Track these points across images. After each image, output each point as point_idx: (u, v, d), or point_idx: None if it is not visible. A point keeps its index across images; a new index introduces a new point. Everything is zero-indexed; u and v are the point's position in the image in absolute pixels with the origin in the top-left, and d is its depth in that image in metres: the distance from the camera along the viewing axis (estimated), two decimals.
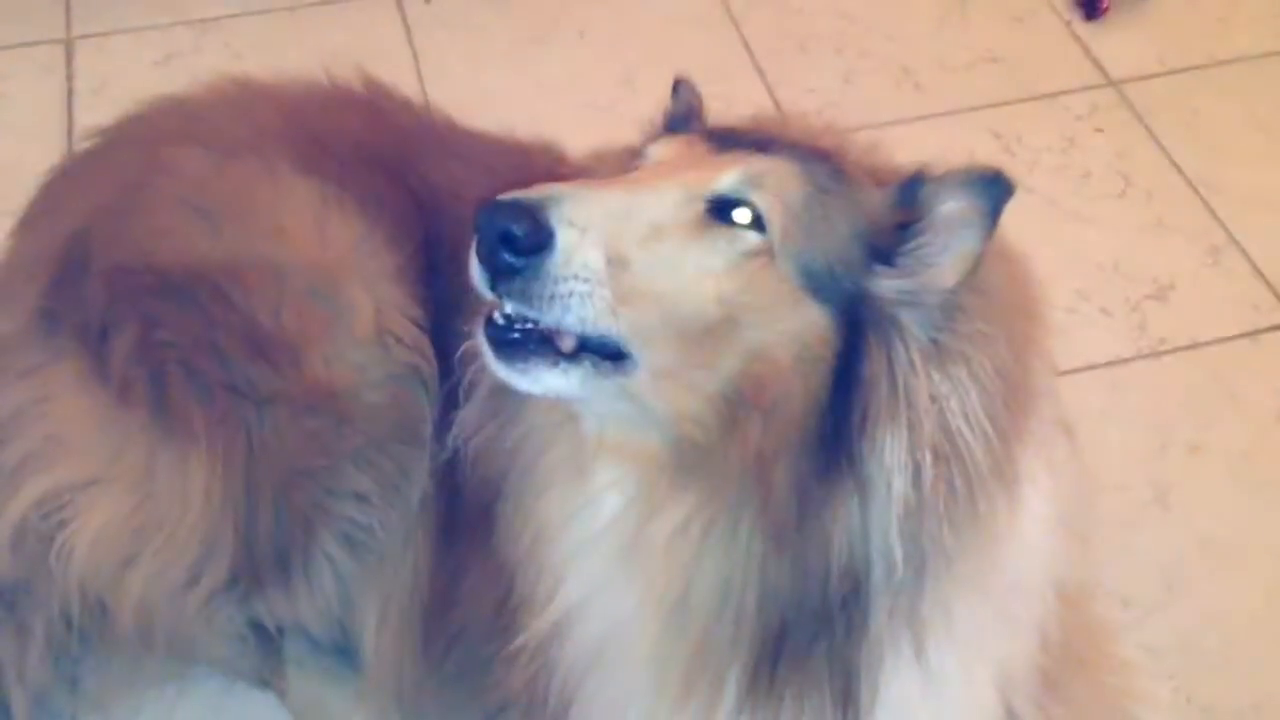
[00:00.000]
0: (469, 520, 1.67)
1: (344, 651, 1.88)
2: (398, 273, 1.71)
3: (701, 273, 1.20)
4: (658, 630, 1.30)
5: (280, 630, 1.85)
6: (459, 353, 1.39)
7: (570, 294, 1.14)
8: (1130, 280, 2.57)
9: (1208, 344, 2.46)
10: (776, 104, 2.89)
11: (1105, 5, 3.08)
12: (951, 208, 1.24)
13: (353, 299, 1.66)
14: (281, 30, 3.03)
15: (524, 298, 1.16)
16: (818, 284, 1.22)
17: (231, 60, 2.91)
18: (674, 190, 1.23)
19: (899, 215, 1.26)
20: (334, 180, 1.73)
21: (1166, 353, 2.45)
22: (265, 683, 1.94)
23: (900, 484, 1.20)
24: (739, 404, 1.22)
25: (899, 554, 1.21)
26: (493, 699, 1.66)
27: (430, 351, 1.70)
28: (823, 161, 1.29)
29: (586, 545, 1.33)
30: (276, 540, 1.67)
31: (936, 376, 1.21)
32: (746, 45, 3.05)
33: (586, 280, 1.14)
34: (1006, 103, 2.92)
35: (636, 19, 3.10)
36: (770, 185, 1.24)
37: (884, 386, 1.20)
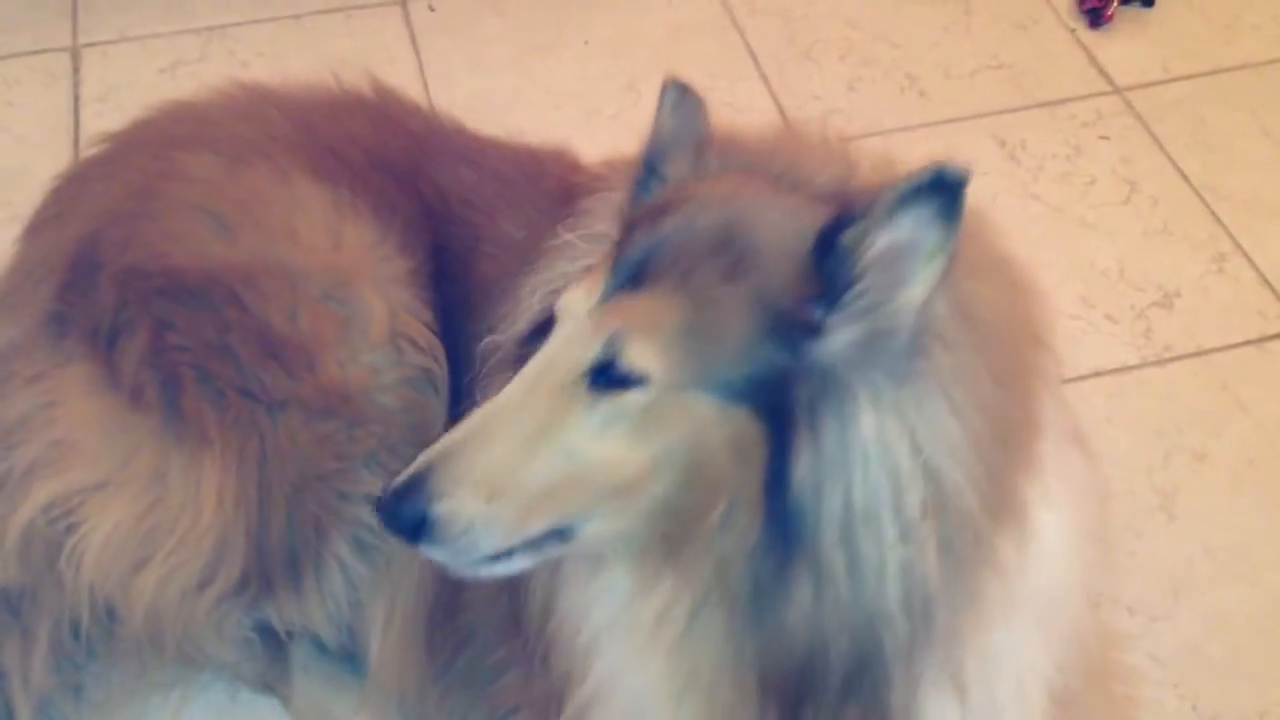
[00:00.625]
0: None
1: (350, 657, 1.88)
2: (410, 277, 1.72)
3: (606, 444, 1.20)
4: (672, 704, 1.32)
5: (289, 634, 1.85)
6: (479, 347, 1.46)
7: (470, 543, 1.22)
8: (1136, 287, 2.58)
9: (1213, 351, 2.46)
10: (781, 111, 2.89)
11: (1110, 13, 3.09)
12: (891, 239, 1.14)
13: (367, 303, 1.67)
14: (287, 38, 3.04)
15: (438, 551, 1.24)
16: (734, 391, 1.17)
17: (237, 68, 2.92)
18: (552, 385, 1.21)
19: (814, 286, 1.16)
20: (346, 186, 1.74)
21: (1172, 360, 2.45)
22: (270, 688, 1.94)
23: (891, 552, 1.17)
24: (691, 509, 1.22)
25: (900, 619, 1.19)
26: (499, 705, 1.67)
27: (442, 355, 1.72)
28: (721, 254, 1.19)
29: (604, 632, 1.37)
30: (288, 543, 1.67)
31: (914, 419, 1.15)
32: (751, 52, 3.05)
33: (475, 527, 1.21)
34: (1011, 110, 2.93)
35: (641, 26, 3.10)
36: (640, 332, 1.18)
37: (843, 468, 1.15)
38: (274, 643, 1.86)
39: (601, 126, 2.83)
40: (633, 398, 1.18)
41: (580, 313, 1.23)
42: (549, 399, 1.20)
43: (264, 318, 1.63)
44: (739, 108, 2.90)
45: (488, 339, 1.40)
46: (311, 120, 1.84)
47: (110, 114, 2.70)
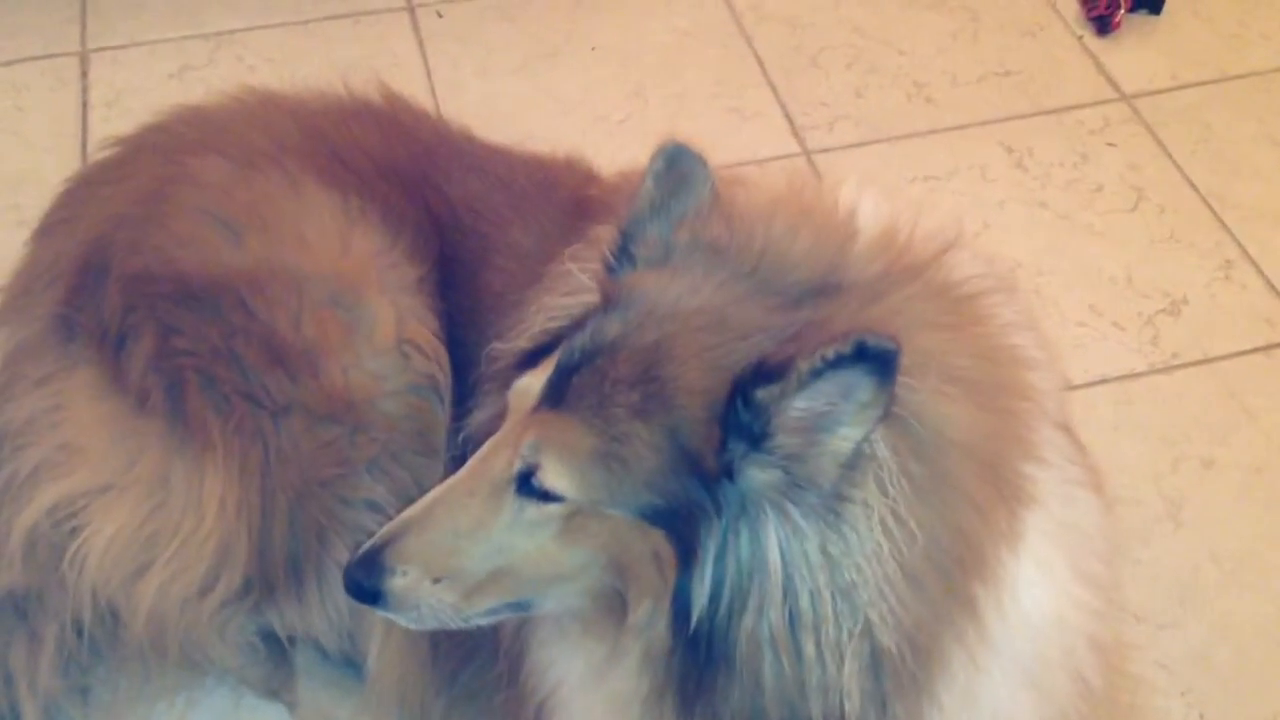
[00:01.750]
0: None
1: (352, 663, 1.88)
2: (417, 285, 1.73)
3: (535, 542, 1.25)
4: None
5: (291, 640, 1.85)
6: (485, 351, 1.48)
7: (420, 614, 1.31)
8: (1143, 294, 2.57)
9: (1220, 358, 2.46)
10: (788, 117, 2.90)
11: (1117, 20, 3.09)
12: (809, 404, 1.11)
13: (373, 309, 1.67)
14: (295, 43, 3.05)
15: (397, 617, 1.33)
16: (647, 514, 1.19)
17: (245, 73, 2.92)
18: (488, 482, 1.25)
19: (731, 431, 1.14)
20: (355, 192, 1.75)
21: (1179, 367, 2.45)
22: (274, 693, 1.94)
23: (810, 670, 1.17)
24: (628, 598, 1.25)
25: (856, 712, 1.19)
26: (501, 718, 1.66)
27: (447, 363, 1.72)
28: (639, 387, 1.18)
29: (566, 691, 1.42)
30: (290, 549, 1.68)
31: (836, 554, 1.15)
32: (758, 59, 3.06)
33: (421, 604, 1.29)
34: (1018, 117, 2.92)
35: (648, 33, 3.11)
36: (555, 452, 1.20)
37: (754, 596, 1.16)
38: (277, 648, 1.86)
39: (608, 132, 2.83)
40: (553, 508, 1.22)
41: (523, 409, 1.25)
42: (485, 496, 1.25)
43: (269, 323, 1.64)
44: (746, 115, 2.91)
45: (493, 345, 1.43)
46: (321, 126, 1.84)
47: (118, 119, 2.71)
